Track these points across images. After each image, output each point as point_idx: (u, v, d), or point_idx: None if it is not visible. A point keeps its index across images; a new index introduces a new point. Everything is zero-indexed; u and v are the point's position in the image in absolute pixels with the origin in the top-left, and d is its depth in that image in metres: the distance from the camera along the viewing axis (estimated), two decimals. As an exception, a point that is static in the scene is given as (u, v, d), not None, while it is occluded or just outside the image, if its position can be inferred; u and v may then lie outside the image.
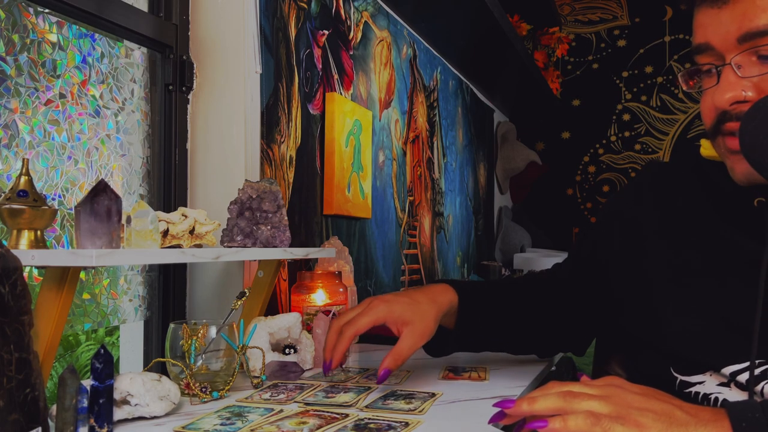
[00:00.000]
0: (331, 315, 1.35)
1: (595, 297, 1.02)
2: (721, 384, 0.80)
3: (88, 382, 0.78)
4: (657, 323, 0.87)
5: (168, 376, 0.99)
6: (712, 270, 0.83)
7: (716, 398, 0.80)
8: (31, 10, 1.06)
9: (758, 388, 0.76)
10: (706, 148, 0.85)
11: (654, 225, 0.91)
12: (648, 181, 0.96)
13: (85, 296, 1.14)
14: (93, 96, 1.19)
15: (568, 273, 1.08)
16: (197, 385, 0.94)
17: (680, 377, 0.83)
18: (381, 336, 1.59)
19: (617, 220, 0.97)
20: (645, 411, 0.65)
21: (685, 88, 0.82)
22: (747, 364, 0.77)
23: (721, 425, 0.63)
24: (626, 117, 3.92)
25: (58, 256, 0.79)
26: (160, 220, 1.01)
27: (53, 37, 1.10)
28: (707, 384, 0.81)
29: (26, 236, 0.85)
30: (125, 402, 0.84)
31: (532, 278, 1.14)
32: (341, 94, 1.82)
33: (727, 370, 0.78)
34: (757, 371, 0.76)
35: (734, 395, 0.79)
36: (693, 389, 0.82)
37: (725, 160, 0.79)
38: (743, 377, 0.77)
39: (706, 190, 0.86)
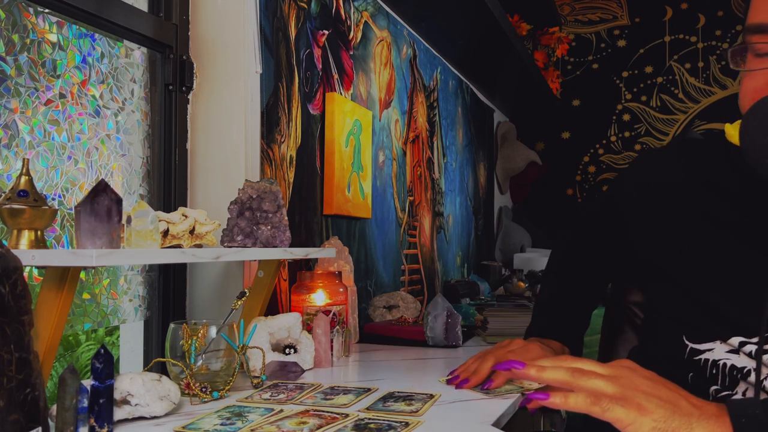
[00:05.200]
0: (330, 315, 1.35)
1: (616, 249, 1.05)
2: (731, 351, 0.81)
3: (88, 382, 0.78)
4: (674, 292, 0.88)
5: (168, 376, 0.99)
6: (730, 246, 0.83)
7: (724, 364, 0.81)
8: (31, 10, 1.06)
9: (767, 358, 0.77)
10: (731, 136, 0.84)
11: (679, 198, 0.91)
12: (676, 154, 0.96)
13: (85, 296, 1.14)
14: (93, 96, 1.19)
15: (600, 206, 1.09)
16: (197, 385, 0.94)
17: (691, 345, 0.84)
18: (381, 336, 1.59)
19: (643, 187, 0.96)
20: (651, 396, 0.65)
21: (732, 66, 0.79)
22: (756, 339, 0.78)
23: (723, 421, 0.63)
24: (626, 117, 3.92)
25: (58, 256, 0.79)
26: (160, 220, 1.01)
27: (53, 37, 1.10)
28: (716, 350, 0.82)
29: (26, 236, 0.85)
30: (125, 402, 0.84)
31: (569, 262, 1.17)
32: (341, 94, 1.82)
33: (735, 340, 0.80)
34: (767, 346, 0.77)
35: (743, 361, 0.80)
36: (702, 356, 0.83)
37: None
38: (747, 348, 0.79)
39: (732, 170, 0.86)
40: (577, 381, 0.66)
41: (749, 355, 0.79)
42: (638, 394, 0.65)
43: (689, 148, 0.95)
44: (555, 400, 0.65)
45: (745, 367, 0.79)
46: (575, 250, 1.15)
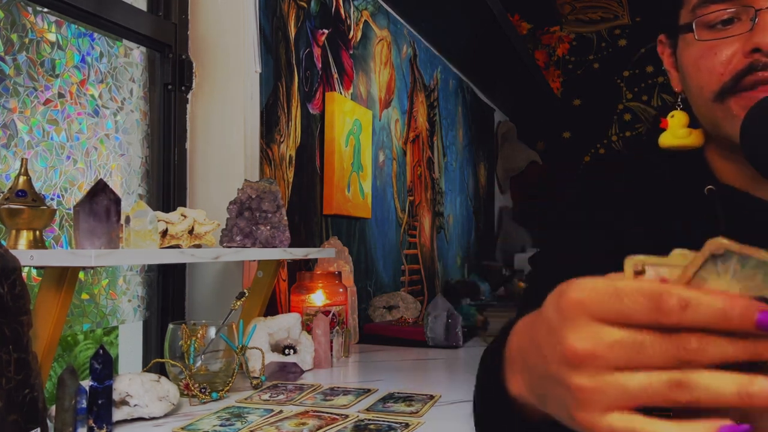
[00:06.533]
0: (330, 315, 1.34)
1: None
2: None
3: (87, 383, 0.77)
4: None
5: (167, 376, 0.99)
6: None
7: None
8: (30, 9, 1.05)
9: None
10: (671, 137, 0.81)
11: (610, 218, 0.90)
12: (600, 176, 0.94)
13: (84, 296, 1.13)
14: (92, 95, 1.18)
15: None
16: (196, 385, 0.94)
17: None
18: (381, 336, 1.59)
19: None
20: None
21: (696, 37, 0.74)
22: None
23: None
24: (627, 117, 3.92)
25: (57, 256, 0.79)
26: (159, 220, 1.01)
27: (52, 37, 1.10)
28: None
29: (25, 236, 0.85)
30: (124, 402, 0.83)
31: None
32: (341, 93, 1.82)
33: None
34: None
35: None
36: None
37: (730, 127, 0.73)
38: None
39: (658, 180, 0.85)
40: None
41: None
42: None
43: (607, 169, 0.93)
44: None
45: None
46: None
